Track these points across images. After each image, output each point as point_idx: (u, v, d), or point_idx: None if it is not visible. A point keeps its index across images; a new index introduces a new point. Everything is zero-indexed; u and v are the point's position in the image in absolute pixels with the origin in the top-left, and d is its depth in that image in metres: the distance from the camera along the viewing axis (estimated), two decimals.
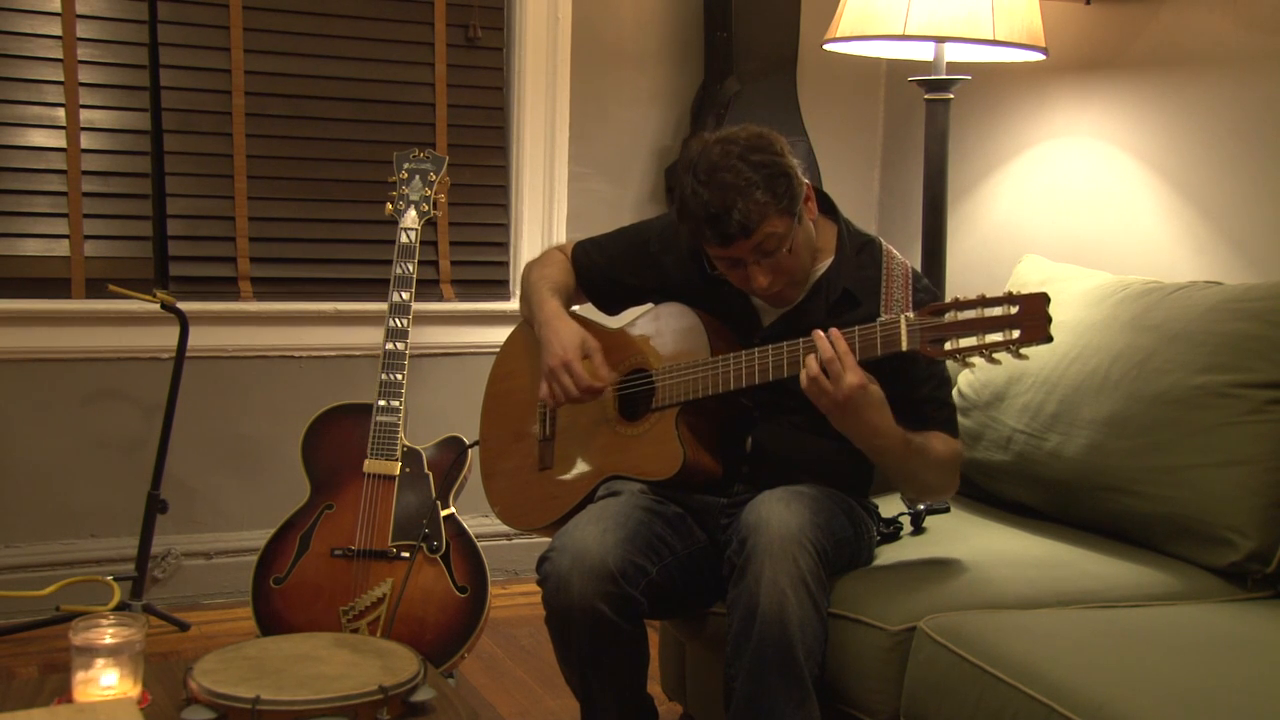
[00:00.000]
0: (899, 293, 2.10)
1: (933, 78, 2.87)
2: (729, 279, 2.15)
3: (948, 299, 1.92)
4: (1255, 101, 2.66)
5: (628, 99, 3.64)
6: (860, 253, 2.20)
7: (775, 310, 2.21)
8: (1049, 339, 1.80)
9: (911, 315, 1.91)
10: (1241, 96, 2.69)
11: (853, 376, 1.93)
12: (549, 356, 2.25)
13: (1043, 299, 1.81)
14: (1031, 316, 1.81)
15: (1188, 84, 2.81)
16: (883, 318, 1.94)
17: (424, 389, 3.45)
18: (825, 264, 2.20)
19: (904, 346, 1.90)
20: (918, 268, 2.48)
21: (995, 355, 1.84)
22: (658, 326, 2.29)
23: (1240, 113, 2.69)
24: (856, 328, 1.95)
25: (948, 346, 1.87)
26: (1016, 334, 1.81)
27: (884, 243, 2.22)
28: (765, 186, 2.01)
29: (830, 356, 1.94)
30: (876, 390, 1.96)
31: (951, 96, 2.89)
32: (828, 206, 2.24)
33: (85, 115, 3.16)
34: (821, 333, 1.97)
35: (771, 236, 2.04)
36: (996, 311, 1.84)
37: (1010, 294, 1.83)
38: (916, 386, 2.12)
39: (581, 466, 2.31)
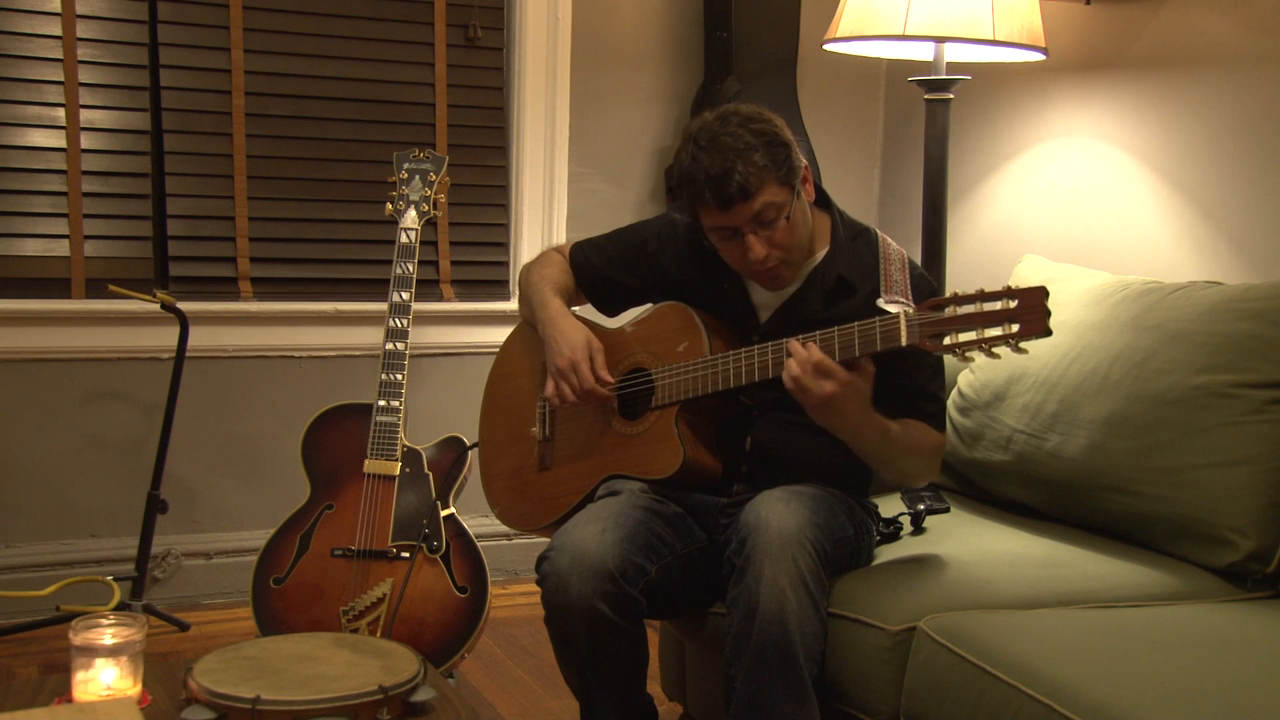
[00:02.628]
0: (897, 274, 2.11)
1: (933, 78, 2.87)
2: (724, 255, 2.15)
3: (947, 295, 1.93)
4: (1255, 101, 2.66)
5: (628, 99, 3.64)
6: (855, 241, 2.22)
7: (772, 305, 2.22)
8: (1048, 332, 1.81)
9: (911, 311, 1.91)
10: (1241, 96, 2.69)
11: (829, 385, 1.94)
12: (555, 357, 2.25)
13: (1041, 292, 1.81)
14: (1030, 310, 1.81)
15: (1188, 84, 2.81)
16: (882, 315, 1.95)
17: (424, 389, 3.45)
18: (821, 254, 2.20)
19: (903, 342, 1.91)
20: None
21: (994, 350, 1.84)
22: (656, 325, 2.29)
23: (1240, 113, 2.69)
24: (855, 324, 1.96)
25: (947, 341, 1.88)
26: (1015, 328, 1.82)
27: (879, 232, 2.23)
28: (765, 151, 2.04)
29: (805, 363, 1.96)
30: (859, 387, 1.97)
31: (951, 96, 2.89)
32: (822, 199, 2.24)
33: (85, 115, 3.16)
34: (797, 344, 1.98)
35: (770, 206, 2.05)
36: (995, 306, 1.84)
37: (1009, 288, 1.84)
38: (911, 376, 2.13)
39: (581, 466, 2.31)
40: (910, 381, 2.14)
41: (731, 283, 2.25)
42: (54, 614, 3.03)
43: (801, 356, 1.97)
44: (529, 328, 2.44)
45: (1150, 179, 2.91)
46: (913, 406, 2.14)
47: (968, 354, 1.88)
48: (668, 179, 3.59)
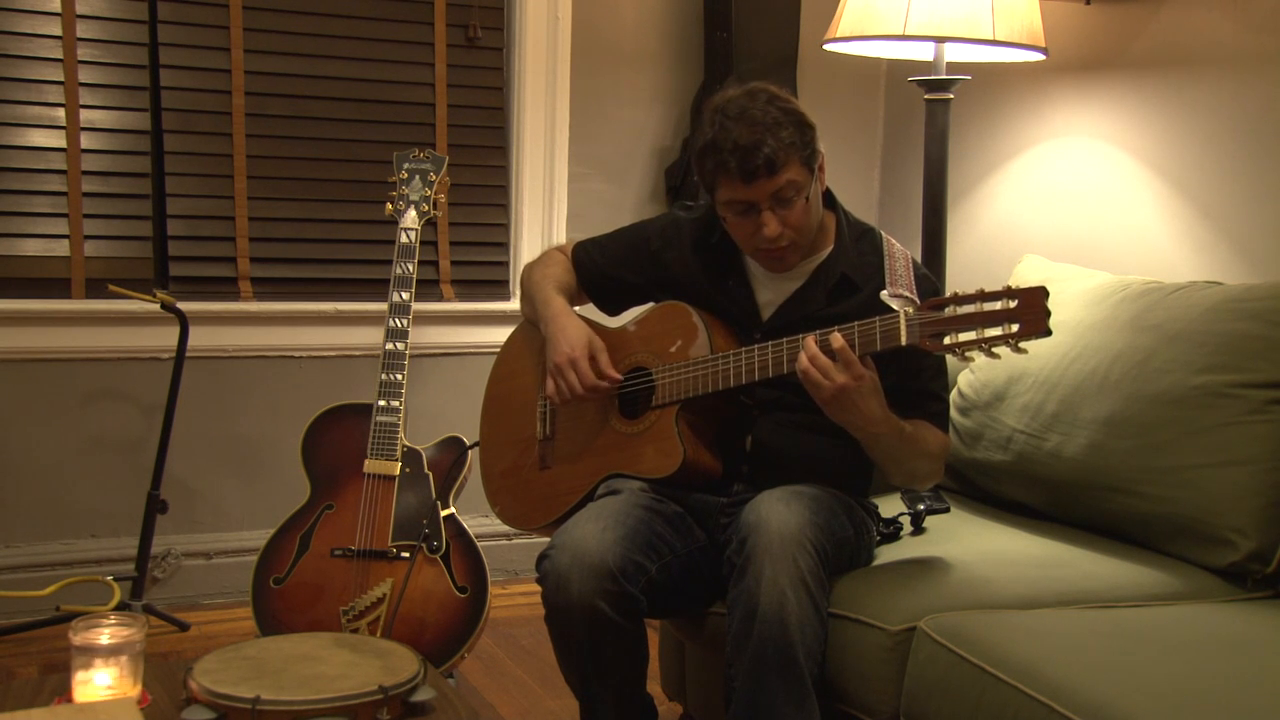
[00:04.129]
0: (902, 270, 2.11)
1: (933, 78, 2.87)
2: (733, 232, 2.15)
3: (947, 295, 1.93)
4: (1255, 101, 2.66)
5: (628, 99, 3.64)
6: (860, 240, 2.22)
7: (775, 303, 2.22)
8: (1048, 332, 1.81)
9: (911, 310, 1.91)
10: (1241, 96, 2.69)
11: (841, 376, 1.94)
12: (555, 354, 2.25)
13: (1041, 293, 1.81)
14: (1030, 310, 1.81)
15: (1188, 84, 2.81)
16: (883, 310, 1.95)
17: (424, 389, 3.45)
18: (825, 252, 2.20)
19: (903, 341, 1.91)
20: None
21: (994, 349, 1.84)
22: (657, 324, 2.29)
23: (1240, 113, 2.69)
24: (856, 324, 1.96)
25: (947, 341, 1.88)
26: (1015, 328, 1.82)
27: (883, 233, 2.23)
28: (794, 129, 2.05)
29: (814, 357, 1.96)
30: (870, 380, 1.97)
31: (951, 96, 2.89)
32: (827, 199, 2.24)
33: (85, 115, 3.16)
34: (812, 340, 1.98)
35: (791, 184, 2.05)
36: (995, 306, 1.84)
37: (1009, 288, 1.84)
38: (915, 376, 2.13)
39: (581, 465, 2.31)
40: (915, 381, 2.14)
41: (736, 280, 2.24)
42: (54, 614, 3.03)
43: (812, 349, 1.97)
44: (531, 327, 2.44)
45: (1150, 179, 2.90)
46: (918, 406, 2.14)
47: (967, 354, 1.88)
48: (668, 179, 3.63)
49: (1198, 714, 1.66)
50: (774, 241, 2.10)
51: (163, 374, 3.10)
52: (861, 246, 2.21)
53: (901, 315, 1.91)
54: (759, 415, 2.22)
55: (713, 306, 2.25)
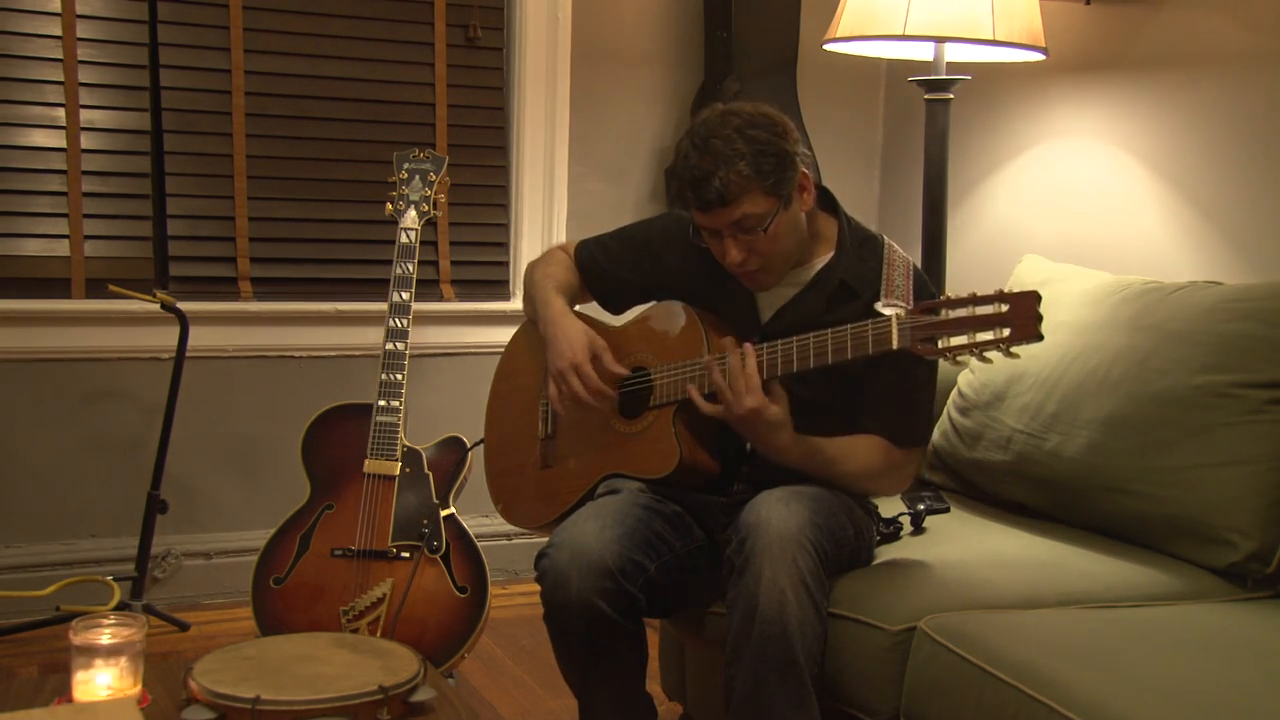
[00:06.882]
0: (900, 279, 2.10)
1: (933, 78, 2.87)
2: (710, 247, 2.16)
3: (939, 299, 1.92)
4: (1255, 101, 2.66)
5: (628, 99, 3.64)
6: (861, 247, 2.21)
7: (775, 306, 2.22)
8: (1039, 337, 1.80)
9: (903, 314, 1.91)
10: (1241, 97, 2.69)
11: (751, 400, 1.99)
12: (556, 358, 2.25)
13: (1033, 298, 1.81)
14: (1022, 315, 1.81)
15: (1188, 84, 2.81)
16: (875, 317, 1.94)
17: (424, 389, 3.45)
18: (826, 258, 2.20)
19: (895, 345, 1.90)
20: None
21: (986, 354, 1.84)
22: (657, 324, 2.29)
23: (1240, 113, 2.69)
24: (848, 327, 1.95)
25: (939, 345, 1.87)
26: (1007, 332, 1.82)
27: (886, 238, 2.22)
28: (751, 161, 2.03)
29: (736, 374, 2.00)
30: (776, 413, 2.02)
31: (951, 96, 2.90)
32: (829, 203, 2.24)
33: (85, 115, 3.16)
34: (750, 347, 2.01)
35: (750, 216, 2.05)
36: (987, 310, 1.84)
37: (1001, 292, 1.83)
38: (899, 385, 2.12)
39: (582, 464, 2.31)
40: (898, 390, 2.12)
41: (736, 283, 2.24)
42: (54, 614, 3.03)
43: (735, 364, 2.01)
44: (534, 326, 2.44)
45: (1150, 179, 2.90)
46: (885, 419, 2.13)
47: (959, 358, 1.87)
48: (668, 179, 3.62)
49: (1198, 714, 1.66)
50: (740, 266, 2.10)
51: (163, 374, 3.10)
52: (863, 253, 2.20)
53: (893, 319, 1.91)
54: None
55: (713, 307, 2.25)
